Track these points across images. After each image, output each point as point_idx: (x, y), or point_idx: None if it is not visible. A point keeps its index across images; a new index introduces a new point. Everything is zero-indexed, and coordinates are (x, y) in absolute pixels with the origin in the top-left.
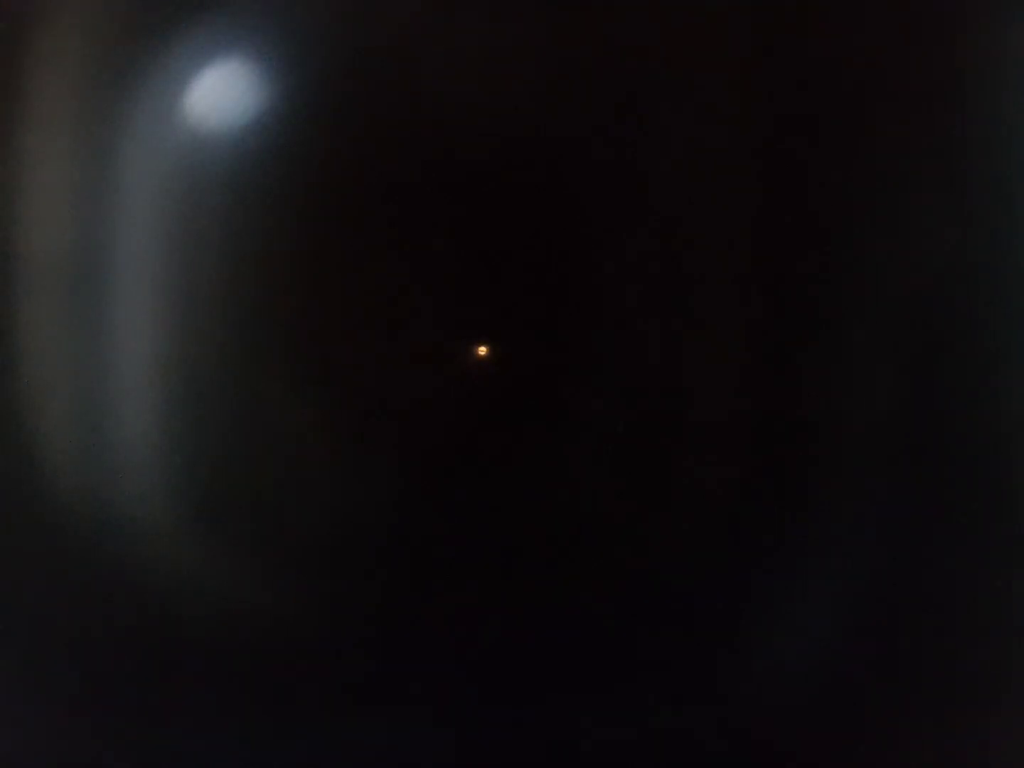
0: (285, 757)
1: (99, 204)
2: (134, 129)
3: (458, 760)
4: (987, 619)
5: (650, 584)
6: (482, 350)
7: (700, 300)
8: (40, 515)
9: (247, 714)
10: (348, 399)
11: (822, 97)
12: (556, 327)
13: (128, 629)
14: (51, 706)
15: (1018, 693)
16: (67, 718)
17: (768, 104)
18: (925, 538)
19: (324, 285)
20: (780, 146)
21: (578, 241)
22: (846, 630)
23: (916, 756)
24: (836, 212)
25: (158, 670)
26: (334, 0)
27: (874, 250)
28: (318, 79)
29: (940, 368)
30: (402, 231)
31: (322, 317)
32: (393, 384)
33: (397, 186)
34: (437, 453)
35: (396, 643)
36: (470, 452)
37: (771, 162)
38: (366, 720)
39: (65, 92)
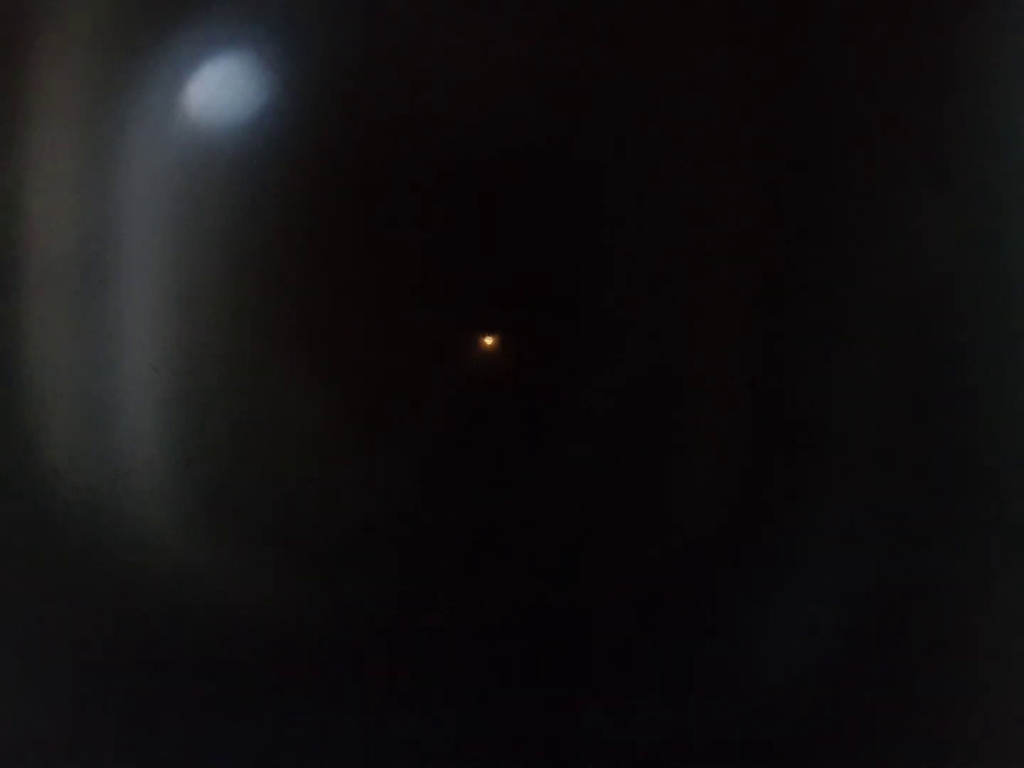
0: (287, 756)
1: (102, 203)
2: (138, 128)
3: (459, 758)
4: (986, 618)
5: (650, 583)
6: (487, 342)
7: (701, 299)
8: (42, 514)
9: (249, 713)
10: (352, 396)
11: (821, 96)
12: (559, 322)
13: (129, 628)
14: (51, 706)
15: (1017, 692)
16: (67, 718)
17: (767, 102)
18: (924, 536)
19: (327, 282)
20: (780, 145)
21: (580, 237)
22: (845, 629)
23: (915, 755)
24: (836, 211)
25: (159, 669)
26: None
27: (875, 248)
28: (319, 76)
29: (940, 366)
30: (404, 225)
31: (325, 314)
32: (397, 380)
33: (399, 180)
34: (443, 448)
35: (399, 641)
36: (476, 446)
37: (771, 161)
38: (367, 719)
39: (67, 91)
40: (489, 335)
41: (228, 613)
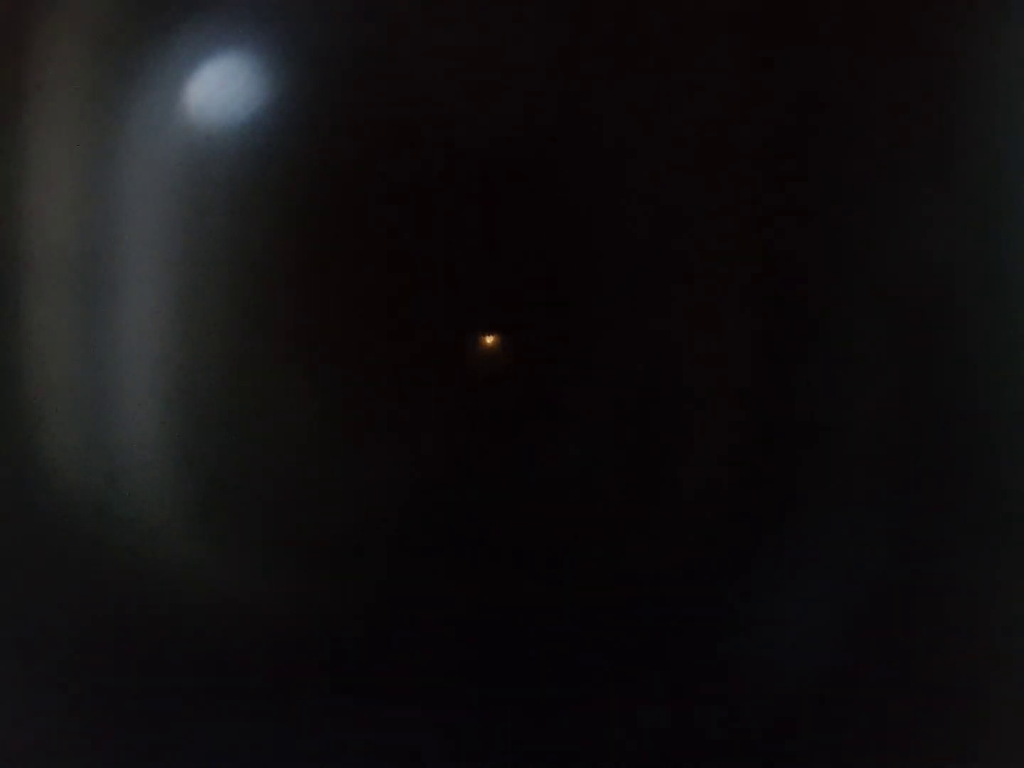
0: (287, 755)
1: (102, 203)
2: (138, 127)
3: (459, 759)
4: (985, 618)
5: (650, 582)
6: (487, 344)
7: (702, 298)
8: (42, 514)
9: (249, 712)
10: (352, 396)
11: (823, 95)
12: (559, 323)
13: (130, 627)
14: (51, 706)
15: (1016, 692)
16: (67, 718)
17: (767, 101)
18: (924, 536)
19: (327, 282)
20: (781, 145)
21: (580, 236)
22: (847, 630)
23: (917, 756)
24: (838, 210)
25: (160, 669)
26: None
27: (874, 248)
28: (319, 76)
29: (942, 367)
30: (405, 226)
31: (326, 314)
32: (399, 381)
33: (399, 181)
34: (443, 449)
35: (397, 641)
36: (476, 447)
37: (772, 160)
38: (366, 719)
39: (67, 91)
40: (489, 336)
41: (229, 612)
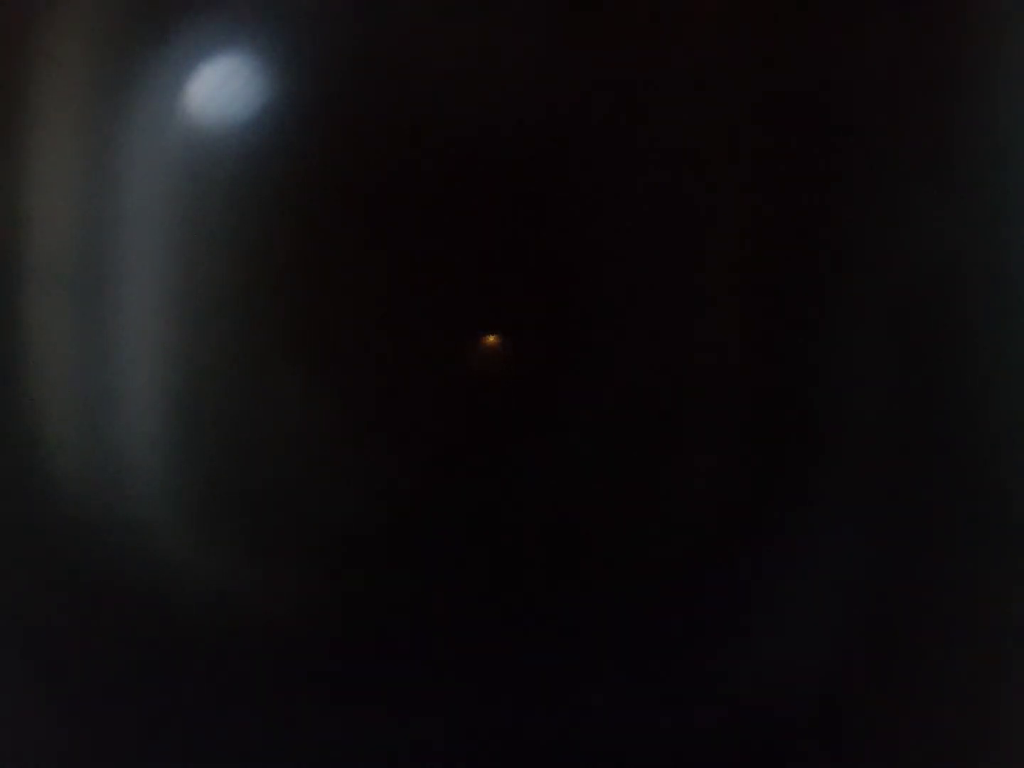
0: (286, 754)
1: (102, 203)
2: (138, 128)
3: (457, 759)
4: (985, 618)
5: (650, 582)
6: (486, 345)
7: (702, 297)
8: (42, 514)
9: (248, 710)
10: (351, 397)
11: (823, 95)
12: (559, 322)
13: (129, 628)
14: (51, 705)
15: (1016, 692)
16: (67, 717)
17: (770, 101)
18: (924, 536)
19: (326, 282)
20: (781, 143)
21: (579, 236)
22: (846, 631)
23: (916, 757)
24: (836, 208)
25: (159, 668)
26: None
27: (875, 245)
28: (319, 75)
29: (940, 365)
30: (405, 226)
31: (325, 314)
32: (396, 382)
33: (399, 181)
34: (443, 449)
35: (397, 640)
36: (473, 448)
37: (772, 158)
38: (365, 717)
39: (67, 91)
40: (490, 336)
41: (228, 611)
